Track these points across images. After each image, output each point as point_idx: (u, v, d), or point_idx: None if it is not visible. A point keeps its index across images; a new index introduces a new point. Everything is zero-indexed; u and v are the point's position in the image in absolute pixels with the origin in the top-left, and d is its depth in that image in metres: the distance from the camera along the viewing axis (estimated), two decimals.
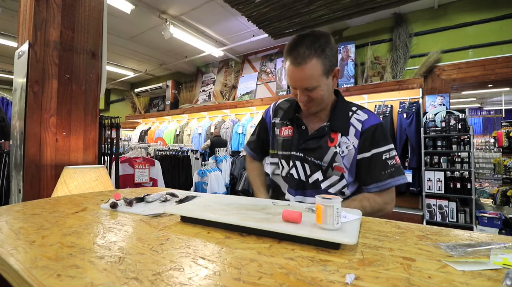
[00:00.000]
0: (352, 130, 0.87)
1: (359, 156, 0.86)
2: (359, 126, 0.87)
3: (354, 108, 0.92)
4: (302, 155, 0.91)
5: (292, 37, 0.84)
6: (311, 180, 0.90)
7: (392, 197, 0.87)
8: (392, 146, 0.87)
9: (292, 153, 0.93)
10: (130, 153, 2.73)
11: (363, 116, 0.89)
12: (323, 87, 0.83)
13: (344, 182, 0.88)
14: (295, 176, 0.92)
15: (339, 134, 0.88)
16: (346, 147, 0.87)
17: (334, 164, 0.87)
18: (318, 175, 0.89)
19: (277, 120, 1.02)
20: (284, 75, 4.40)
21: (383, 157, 0.84)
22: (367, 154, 0.85)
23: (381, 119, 3.23)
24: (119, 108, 7.84)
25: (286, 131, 0.97)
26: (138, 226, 0.57)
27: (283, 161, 0.96)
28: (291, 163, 0.94)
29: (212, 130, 4.75)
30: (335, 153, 0.87)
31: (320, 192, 0.87)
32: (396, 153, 0.86)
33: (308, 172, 0.90)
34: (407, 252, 0.43)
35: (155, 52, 5.18)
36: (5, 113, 2.94)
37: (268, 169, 1.08)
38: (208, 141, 4.22)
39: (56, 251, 0.42)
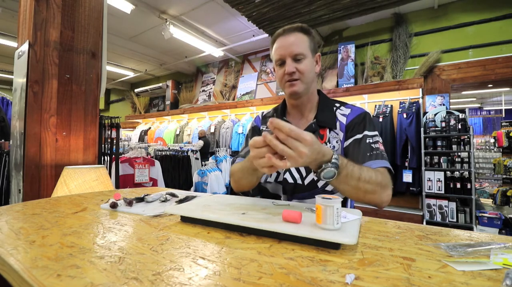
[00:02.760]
0: (337, 124, 0.88)
1: (345, 144, 0.86)
2: (343, 120, 0.88)
3: (337, 104, 0.93)
4: None
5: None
6: (306, 181, 0.88)
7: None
8: (376, 133, 0.84)
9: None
10: (130, 153, 2.73)
11: (346, 110, 0.90)
12: (309, 62, 0.85)
13: None
14: (290, 180, 0.90)
15: (327, 130, 0.88)
16: (336, 142, 0.87)
17: None
18: (312, 175, 0.87)
19: (265, 128, 0.99)
20: None
21: (367, 141, 0.82)
22: (350, 140, 0.85)
23: (381, 119, 3.24)
24: (119, 108, 7.85)
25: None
26: (138, 226, 0.57)
27: None
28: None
29: (212, 130, 4.76)
30: None
31: (317, 191, 0.86)
32: (381, 140, 0.84)
33: (304, 174, 0.88)
34: (407, 252, 0.43)
35: (155, 52, 5.18)
36: (5, 113, 2.94)
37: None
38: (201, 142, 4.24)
39: (56, 251, 0.42)
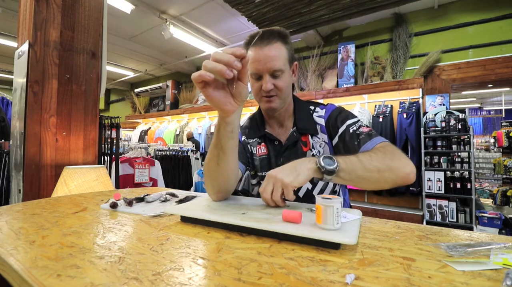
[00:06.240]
0: (318, 128, 0.87)
1: (333, 142, 0.84)
2: (322, 122, 0.87)
3: (312, 107, 0.91)
4: None
5: (249, 35, 0.81)
6: (301, 193, 0.86)
7: None
8: (356, 119, 0.82)
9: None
10: (130, 153, 2.73)
11: (321, 111, 0.88)
12: (287, 76, 0.81)
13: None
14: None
15: (309, 136, 0.86)
16: (320, 146, 0.85)
17: None
18: (307, 185, 0.85)
19: (246, 139, 0.95)
20: None
21: (351, 131, 0.79)
22: (336, 137, 0.82)
23: (381, 119, 3.24)
24: (119, 108, 7.84)
25: (260, 150, 0.92)
26: (138, 226, 0.57)
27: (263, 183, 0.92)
28: None
29: (212, 130, 4.77)
30: (313, 155, 0.84)
31: (314, 200, 0.84)
32: (363, 124, 0.80)
33: None
34: (407, 252, 0.43)
35: (155, 52, 5.18)
36: (5, 113, 2.94)
37: (251, 190, 1.00)
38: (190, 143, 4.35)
39: (56, 251, 0.42)
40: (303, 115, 0.88)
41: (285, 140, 0.88)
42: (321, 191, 0.86)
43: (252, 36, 0.79)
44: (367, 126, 0.79)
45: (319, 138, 0.86)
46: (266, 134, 0.91)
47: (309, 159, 0.62)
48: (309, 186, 0.85)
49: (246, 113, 4.65)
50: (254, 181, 0.95)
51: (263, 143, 0.92)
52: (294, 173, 0.59)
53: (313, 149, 0.85)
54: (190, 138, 4.73)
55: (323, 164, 0.60)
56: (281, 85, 0.80)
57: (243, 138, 0.96)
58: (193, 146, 3.85)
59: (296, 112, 0.89)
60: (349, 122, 0.80)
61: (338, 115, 0.83)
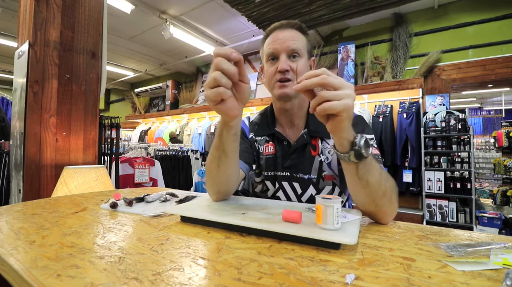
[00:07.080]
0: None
1: None
2: None
3: None
4: (288, 174, 0.84)
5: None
6: (304, 198, 0.82)
7: None
8: (372, 135, 0.77)
9: (278, 173, 0.85)
10: (130, 153, 2.73)
11: None
12: (304, 63, 0.78)
13: (337, 189, 0.82)
14: (283, 198, 0.85)
15: (319, 140, 0.82)
16: (328, 152, 0.81)
17: (323, 174, 0.81)
18: (311, 191, 0.82)
19: (255, 136, 0.92)
20: None
21: None
22: None
23: (381, 119, 3.24)
24: (119, 108, 7.85)
25: (268, 149, 0.88)
26: (138, 226, 0.57)
27: (267, 182, 0.88)
28: (276, 185, 0.86)
29: (212, 130, 4.78)
30: (321, 161, 0.81)
31: None
32: (375, 144, 0.75)
33: (299, 191, 0.83)
34: (407, 252, 0.43)
35: (155, 52, 5.18)
36: (5, 113, 2.94)
37: (253, 188, 0.97)
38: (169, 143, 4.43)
39: (56, 251, 0.42)
40: (316, 119, 0.85)
41: (295, 142, 0.84)
42: None
43: (271, 27, 0.81)
44: (377, 147, 0.75)
45: (328, 144, 0.82)
46: (276, 133, 0.87)
47: (352, 131, 0.56)
48: (313, 191, 0.82)
49: (246, 113, 4.65)
50: (258, 179, 0.92)
51: (271, 142, 0.88)
52: (350, 119, 0.53)
53: (321, 155, 0.81)
54: (172, 138, 4.77)
55: (362, 146, 0.53)
56: (298, 68, 0.76)
57: (250, 135, 0.92)
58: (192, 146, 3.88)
59: (309, 116, 0.85)
60: (367, 136, 0.75)
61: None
